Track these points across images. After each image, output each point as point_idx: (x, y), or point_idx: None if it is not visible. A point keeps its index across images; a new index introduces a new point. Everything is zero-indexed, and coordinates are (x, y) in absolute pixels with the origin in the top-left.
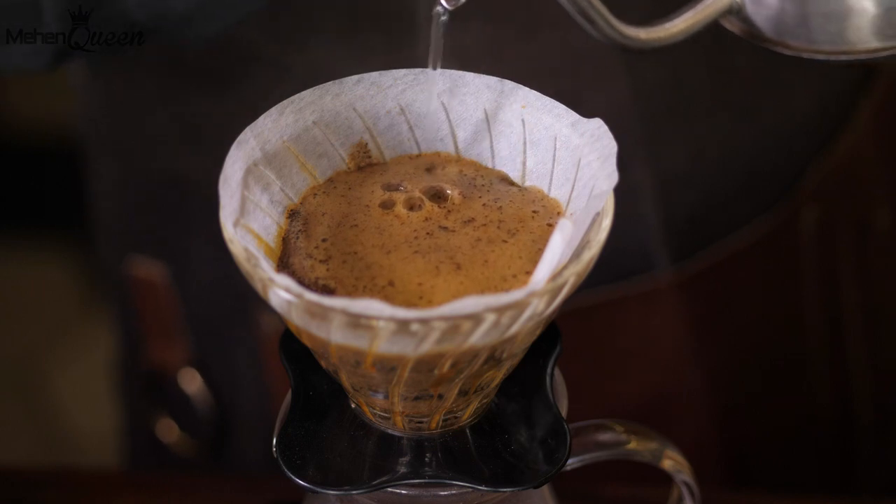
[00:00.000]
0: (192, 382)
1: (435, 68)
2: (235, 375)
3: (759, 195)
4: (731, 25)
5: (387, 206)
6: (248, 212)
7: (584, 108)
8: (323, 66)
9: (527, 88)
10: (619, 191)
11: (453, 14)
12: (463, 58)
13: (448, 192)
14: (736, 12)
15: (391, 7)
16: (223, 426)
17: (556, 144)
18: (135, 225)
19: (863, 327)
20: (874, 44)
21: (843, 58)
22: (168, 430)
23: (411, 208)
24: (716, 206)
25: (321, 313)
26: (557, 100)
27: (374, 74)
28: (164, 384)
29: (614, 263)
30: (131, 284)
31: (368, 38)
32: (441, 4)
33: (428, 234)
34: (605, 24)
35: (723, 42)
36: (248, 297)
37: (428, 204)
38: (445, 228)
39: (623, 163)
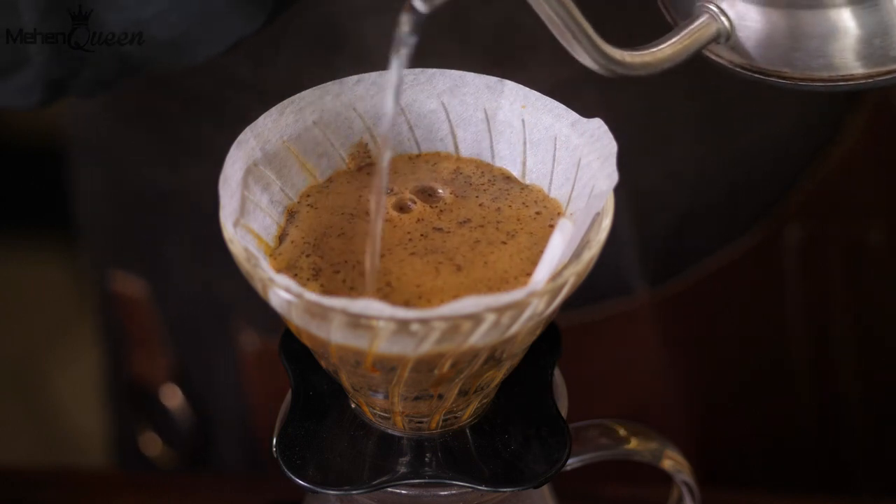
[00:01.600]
0: (173, 397)
1: (397, 102)
2: (216, 390)
3: (742, 214)
4: (720, 57)
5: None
6: (248, 212)
7: None
8: (298, 89)
9: (527, 88)
10: None
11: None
12: None
13: (440, 191)
14: (724, 39)
15: (364, 30)
16: (204, 440)
17: (556, 144)
18: (116, 241)
19: (853, 337)
20: (873, 68)
21: (843, 84)
22: (151, 444)
23: (401, 209)
24: (695, 226)
25: (321, 313)
26: None
27: (374, 74)
28: (147, 398)
29: (591, 285)
30: (113, 300)
31: (342, 61)
32: (413, 5)
33: (422, 235)
34: (589, 44)
35: (701, 59)
36: (227, 313)
37: (419, 204)
38: (440, 230)
39: None
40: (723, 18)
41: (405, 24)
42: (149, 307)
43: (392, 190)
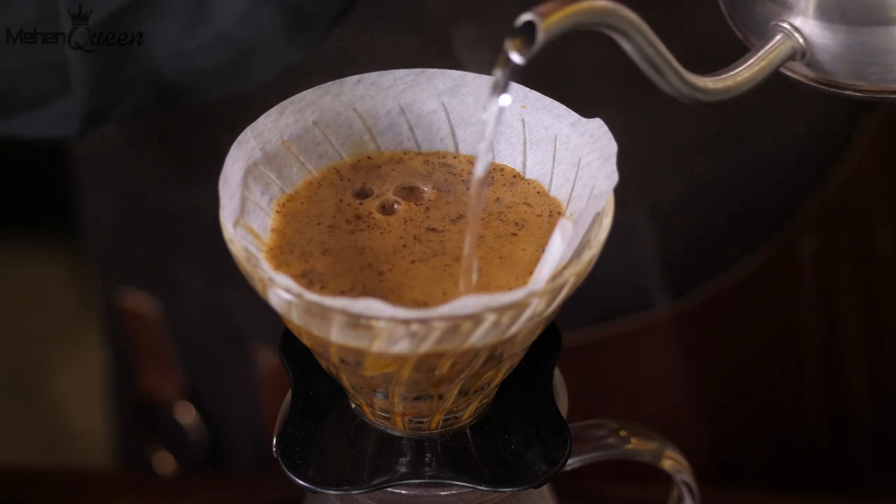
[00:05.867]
0: (187, 415)
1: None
2: (230, 408)
3: (758, 226)
4: (796, 73)
5: (361, 217)
6: (248, 212)
7: None
8: None
9: (527, 88)
10: (613, 228)
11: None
12: None
13: (422, 187)
14: (800, 57)
15: (379, 52)
16: (218, 459)
17: (556, 144)
18: (126, 257)
19: (862, 343)
20: None
21: None
22: (164, 463)
23: (383, 209)
24: (712, 240)
25: (321, 313)
26: None
27: (374, 74)
28: (159, 416)
29: (610, 301)
30: (123, 317)
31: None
32: (510, 59)
33: (415, 238)
34: (674, 75)
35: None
36: (241, 332)
37: (404, 203)
38: (434, 230)
39: (617, 199)
40: (797, 36)
41: (501, 78)
42: (160, 325)
43: (372, 192)
